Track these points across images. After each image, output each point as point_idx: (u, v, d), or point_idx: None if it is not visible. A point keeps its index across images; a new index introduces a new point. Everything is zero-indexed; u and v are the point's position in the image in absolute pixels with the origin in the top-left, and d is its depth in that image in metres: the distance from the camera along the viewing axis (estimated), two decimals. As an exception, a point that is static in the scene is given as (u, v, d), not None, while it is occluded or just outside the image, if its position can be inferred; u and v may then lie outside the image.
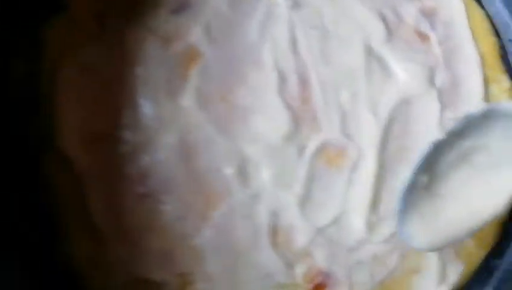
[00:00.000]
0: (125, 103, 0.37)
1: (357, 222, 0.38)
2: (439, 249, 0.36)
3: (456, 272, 0.40)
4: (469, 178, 0.34)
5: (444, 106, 0.41)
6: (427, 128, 0.41)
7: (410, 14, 0.43)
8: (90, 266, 0.35)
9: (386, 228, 0.38)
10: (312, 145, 0.39)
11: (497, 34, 0.45)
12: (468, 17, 0.44)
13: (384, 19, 0.42)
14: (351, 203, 0.39)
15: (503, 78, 0.44)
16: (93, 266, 0.35)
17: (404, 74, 0.41)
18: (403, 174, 0.36)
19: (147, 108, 0.37)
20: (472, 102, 0.42)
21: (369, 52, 0.41)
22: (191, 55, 0.39)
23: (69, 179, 0.36)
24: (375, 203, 0.39)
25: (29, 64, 0.36)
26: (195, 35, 0.39)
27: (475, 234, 0.37)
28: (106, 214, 0.35)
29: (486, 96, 0.43)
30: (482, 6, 0.45)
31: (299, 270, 0.38)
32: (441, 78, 0.42)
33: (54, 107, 0.36)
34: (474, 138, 0.33)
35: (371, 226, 0.38)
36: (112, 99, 0.37)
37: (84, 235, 0.35)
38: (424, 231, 0.34)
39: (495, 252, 0.40)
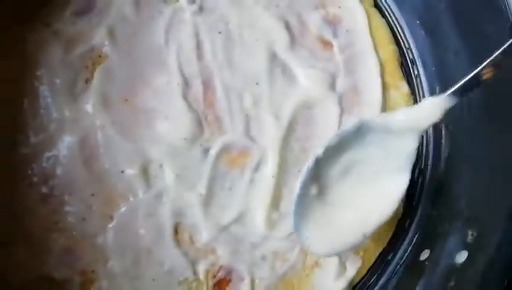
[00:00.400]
0: (25, 104, 0.42)
1: (259, 220, 0.46)
2: (336, 254, 0.44)
3: (354, 267, 0.47)
4: (355, 188, 0.43)
5: (344, 110, 0.49)
6: (328, 131, 0.48)
7: (314, 22, 0.52)
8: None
9: (287, 225, 0.46)
10: (215, 147, 0.46)
11: (397, 42, 0.53)
12: (370, 26, 0.54)
13: (288, 27, 0.51)
14: (253, 201, 0.47)
15: (402, 85, 0.54)
16: None
17: (306, 79, 0.51)
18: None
19: (48, 109, 0.43)
20: (372, 107, 0.52)
21: (273, 58, 0.51)
22: (94, 58, 0.45)
23: None
24: (276, 201, 0.47)
25: None
26: (99, 37, 0.48)
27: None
28: (7, 215, 0.40)
29: (386, 102, 0.51)
30: (384, 16, 0.53)
31: (202, 266, 0.46)
32: (341, 84, 0.52)
33: None
34: (354, 151, 0.42)
35: (272, 224, 0.46)
36: (12, 102, 0.42)
37: None
38: (320, 237, 0.43)
39: (390, 248, 0.48)
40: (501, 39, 0.39)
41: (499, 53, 0.36)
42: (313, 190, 0.41)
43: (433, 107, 0.38)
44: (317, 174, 0.41)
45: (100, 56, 0.46)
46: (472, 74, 0.37)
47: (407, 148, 0.39)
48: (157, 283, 0.45)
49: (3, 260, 0.41)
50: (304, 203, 0.40)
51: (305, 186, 0.40)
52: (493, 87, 0.41)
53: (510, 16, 0.42)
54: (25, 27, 0.45)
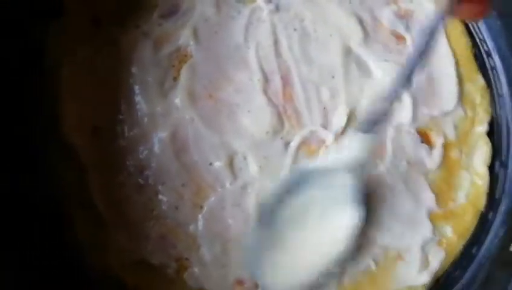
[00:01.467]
0: (121, 100, 0.46)
1: None
2: None
3: (437, 259, 0.47)
4: (305, 228, 0.42)
5: (418, 102, 0.50)
6: (403, 122, 0.48)
7: (386, 17, 0.53)
8: (93, 251, 0.43)
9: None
10: (296, 140, 0.47)
11: (470, 34, 0.52)
12: None
13: (361, 22, 0.52)
14: None
15: (478, 77, 0.54)
16: (96, 251, 0.43)
17: (380, 72, 0.50)
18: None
19: (141, 105, 0.46)
20: (448, 99, 0.52)
21: (348, 52, 0.52)
22: (180, 57, 0.48)
23: (74, 168, 0.46)
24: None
25: (35, 64, 0.44)
26: (184, 37, 0.51)
27: (456, 224, 0.45)
28: (108, 203, 0.45)
29: (461, 95, 0.51)
30: None
31: None
32: (417, 78, 0.49)
33: (57, 101, 0.46)
34: (300, 194, 0.41)
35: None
36: (109, 96, 0.46)
37: (88, 223, 0.45)
38: (274, 276, 0.41)
39: (473, 241, 0.47)
40: None
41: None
42: (267, 233, 0.40)
43: (356, 147, 0.39)
44: (267, 218, 0.40)
45: (185, 55, 0.49)
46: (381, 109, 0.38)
47: (346, 187, 0.40)
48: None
49: (105, 243, 0.44)
50: (256, 243, 0.40)
51: (261, 230, 0.40)
52: None
53: None
54: (118, 30, 0.49)
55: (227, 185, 0.46)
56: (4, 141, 0.42)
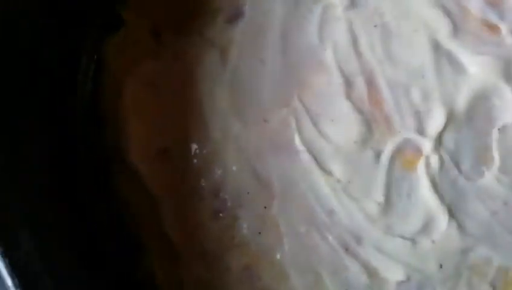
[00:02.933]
0: (191, 118, 0.42)
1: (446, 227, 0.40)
2: None
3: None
4: None
5: (525, 98, 0.43)
6: (507, 123, 0.42)
7: (475, 5, 0.48)
8: (169, 285, 0.37)
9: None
10: (388, 149, 0.42)
11: None
12: None
13: (447, 13, 0.46)
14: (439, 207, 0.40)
15: None
16: (173, 285, 0.37)
17: (476, 67, 0.44)
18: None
19: (212, 123, 0.41)
20: None
21: (436, 48, 0.46)
22: None
23: (143, 195, 0.42)
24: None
25: (94, 81, 0.40)
26: None
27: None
28: (181, 232, 0.41)
29: None
30: None
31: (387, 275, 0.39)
32: None
33: (120, 122, 0.41)
34: None
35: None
36: (176, 113, 0.41)
37: (163, 253, 0.40)
38: None
39: None
40: None
41: None
42: None
43: None
44: None
45: (256, 62, 0.47)
46: None
47: None
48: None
49: (181, 277, 0.39)
50: None
51: None
52: None
53: None
54: (180, 40, 0.44)
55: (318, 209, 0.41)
56: (69, 174, 0.39)
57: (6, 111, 0.33)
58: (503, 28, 0.49)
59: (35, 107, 0.37)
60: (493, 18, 0.50)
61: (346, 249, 0.41)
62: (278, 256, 0.41)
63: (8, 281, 0.29)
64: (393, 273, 0.41)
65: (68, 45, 0.41)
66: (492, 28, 0.49)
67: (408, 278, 0.42)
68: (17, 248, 0.30)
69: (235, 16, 0.48)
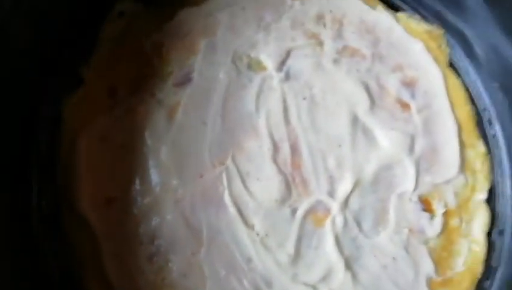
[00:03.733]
0: (135, 170, 0.48)
1: (343, 277, 0.48)
2: None
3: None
4: None
5: (421, 170, 0.51)
6: (407, 190, 0.50)
7: (392, 84, 0.55)
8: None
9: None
10: (302, 208, 0.50)
11: (473, 102, 0.54)
12: (447, 86, 0.55)
13: (368, 90, 0.53)
14: (339, 260, 0.48)
15: (479, 144, 0.56)
16: None
17: (387, 141, 0.52)
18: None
19: (154, 176, 0.47)
20: (450, 166, 0.53)
21: (354, 121, 0.53)
22: None
23: (87, 238, 0.48)
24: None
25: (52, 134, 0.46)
26: None
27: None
28: (120, 273, 0.46)
29: (463, 162, 0.53)
30: (459, 75, 0.55)
31: None
32: (420, 145, 0.54)
33: (73, 173, 0.47)
34: None
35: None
36: (124, 166, 0.48)
37: None
38: None
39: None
40: None
41: None
42: None
43: None
44: None
45: (200, 123, 0.53)
46: None
47: None
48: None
49: None
50: None
51: None
52: None
53: None
54: (134, 98, 0.50)
55: (238, 257, 0.48)
56: (18, 212, 0.45)
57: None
58: (413, 106, 0.56)
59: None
60: (406, 97, 0.57)
61: None
62: None
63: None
64: None
65: (26, 106, 0.46)
66: (404, 106, 0.57)
67: None
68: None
69: (184, 80, 0.53)
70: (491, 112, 0.55)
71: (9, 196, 0.42)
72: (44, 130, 0.48)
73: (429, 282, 0.51)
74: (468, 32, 0.55)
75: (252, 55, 0.54)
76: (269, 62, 0.54)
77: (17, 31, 0.38)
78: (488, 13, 0.51)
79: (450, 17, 0.56)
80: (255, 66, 0.54)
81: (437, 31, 0.57)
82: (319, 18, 0.56)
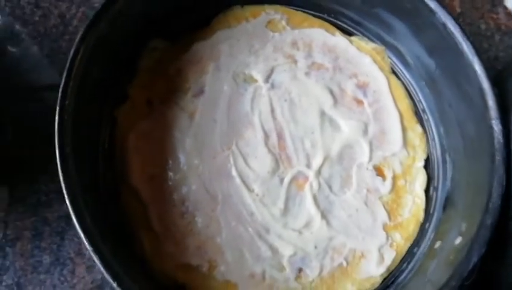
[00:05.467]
0: (168, 156, 0.66)
1: (319, 225, 0.65)
2: None
3: (390, 257, 0.66)
4: None
5: (374, 147, 0.69)
6: (364, 162, 0.69)
7: (349, 87, 0.73)
8: (152, 256, 0.62)
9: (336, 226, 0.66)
10: (288, 177, 0.67)
11: (411, 96, 0.73)
12: (390, 86, 0.74)
13: (332, 92, 0.72)
14: (316, 213, 0.66)
15: (417, 127, 0.73)
16: (154, 256, 0.62)
17: (347, 128, 0.70)
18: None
19: (182, 159, 0.66)
20: (395, 144, 0.71)
21: (322, 115, 0.71)
22: None
23: (138, 204, 0.65)
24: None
25: (111, 133, 0.66)
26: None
27: (403, 232, 0.65)
28: (161, 226, 0.64)
29: (405, 140, 0.71)
30: (399, 78, 0.74)
31: (283, 252, 0.64)
32: (372, 129, 0.71)
33: (125, 158, 0.66)
34: None
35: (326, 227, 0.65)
36: (160, 153, 0.66)
37: (150, 239, 0.64)
38: None
39: (415, 243, 0.67)
40: (476, 94, 0.61)
41: None
42: None
43: None
44: None
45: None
46: None
47: None
48: (256, 264, 0.64)
49: (162, 253, 0.63)
50: None
51: None
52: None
53: (480, 80, 0.63)
54: (164, 107, 0.68)
55: (244, 212, 0.65)
56: (93, 185, 0.63)
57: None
58: (365, 102, 0.73)
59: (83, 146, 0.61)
60: (360, 95, 0.75)
61: (259, 236, 0.63)
62: (218, 240, 0.63)
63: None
64: (286, 251, 0.63)
65: (95, 113, 0.65)
66: (359, 102, 0.74)
67: (295, 253, 0.63)
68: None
69: (199, 92, 0.70)
70: (422, 102, 0.73)
71: (88, 175, 0.60)
72: (106, 128, 0.67)
73: (384, 226, 0.67)
74: (401, 48, 0.73)
75: (246, 72, 0.71)
76: (259, 76, 0.71)
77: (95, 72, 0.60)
78: (411, 34, 0.71)
79: (388, 38, 0.74)
80: (249, 79, 0.71)
81: (380, 48, 0.75)
82: (294, 44, 0.74)
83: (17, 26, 0.73)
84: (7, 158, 0.61)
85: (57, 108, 0.53)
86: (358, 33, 0.76)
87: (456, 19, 0.64)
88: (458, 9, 0.82)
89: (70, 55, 0.56)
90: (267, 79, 0.71)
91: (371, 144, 0.70)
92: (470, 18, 0.82)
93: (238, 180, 0.66)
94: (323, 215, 0.66)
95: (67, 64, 0.56)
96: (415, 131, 0.72)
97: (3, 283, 0.67)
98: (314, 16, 0.76)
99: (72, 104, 0.53)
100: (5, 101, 0.72)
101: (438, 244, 0.63)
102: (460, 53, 0.63)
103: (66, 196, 0.52)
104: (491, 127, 0.59)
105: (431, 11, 0.64)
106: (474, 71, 0.61)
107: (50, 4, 0.75)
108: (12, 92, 0.72)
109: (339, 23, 0.76)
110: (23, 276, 0.68)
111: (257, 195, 0.66)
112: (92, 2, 0.76)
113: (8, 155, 0.70)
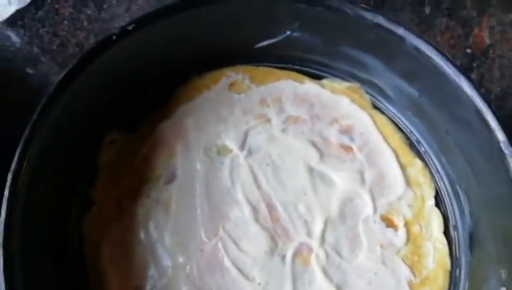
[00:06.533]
0: (149, 259, 0.58)
1: None
2: None
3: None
4: None
5: (375, 195, 0.62)
6: (368, 214, 0.61)
7: (333, 135, 0.66)
8: None
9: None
10: (289, 253, 0.58)
11: (400, 130, 0.67)
12: (376, 124, 0.67)
13: (314, 145, 0.65)
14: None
15: (416, 161, 0.66)
16: None
17: (341, 180, 0.62)
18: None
19: (164, 260, 0.57)
20: (397, 186, 0.63)
21: (311, 171, 0.63)
22: None
23: None
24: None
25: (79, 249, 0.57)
26: None
27: (433, 287, 0.56)
28: None
29: (407, 179, 0.63)
30: (383, 113, 0.68)
31: None
32: (369, 175, 0.64)
33: (100, 275, 0.57)
34: None
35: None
36: (140, 259, 0.58)
37: None
38: None
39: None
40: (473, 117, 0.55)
41: None
42: None
43: None
44: None
45: (191, 208, 0.63)
46: None
47: None
48: None
49: None
50: None
51: None
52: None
53: (473, 101, 0.56)
54: (135, 204, 0.61)
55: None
56: None
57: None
58: (354, 147, 0.66)
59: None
60: (346, 141, 0.68)
61: None
62: None
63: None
64: None
65: (57, 228, 0.58)
66: (347, 149, 0.67)
67: None
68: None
69: (171, 178, 0.63)
70: (415, 133, 0.66)
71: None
72: (73, 246, 0.59)
73: (410, 285, 0.58)
74: (377, 82, 0.67)
75: (219, 143, 0.64)
76: (233, 145, 0.64)
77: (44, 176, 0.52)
78: (383, 66, 0.65)
79: (362, 74, 0.68)
80: (222, 151, 0.64)
81: (355, 85, 0.69)
82: (262, 102, 0.68)
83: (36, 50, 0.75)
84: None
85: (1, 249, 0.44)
86: (328, 75, 0.70)
87: (427, 40, 0.58)
88: (488, 41, 0.78)
89: (11, 172, 0.48)
90: (242, 146, 0.66)
91: (371, 193, 0.62)
92: (500, 50, 0.78)
93: (233, 271, 0.58)
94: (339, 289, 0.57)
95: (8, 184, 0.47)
96: (415, 166, 0.65)
97: None
98: (278, 68, 0.70)
99: (18, 237, 0.45)
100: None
101: (477, 296, 0.54)
102: (443, 75, 0.57)
103: None
104: (500, 151, 0.52)
105: (399, 38, 0.59)
106: (464, 92, 0.55)
107: (68, 33, 0.77)
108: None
109: (306, 69, 0.70)
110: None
111: (259, 284, 0.58)
112: (108, 31, 0.70)
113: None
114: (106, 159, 0.64)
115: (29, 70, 0.74)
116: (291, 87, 0.70)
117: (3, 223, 0.44)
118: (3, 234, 0.44)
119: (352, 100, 0.69)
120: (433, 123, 0.63)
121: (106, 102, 0.62)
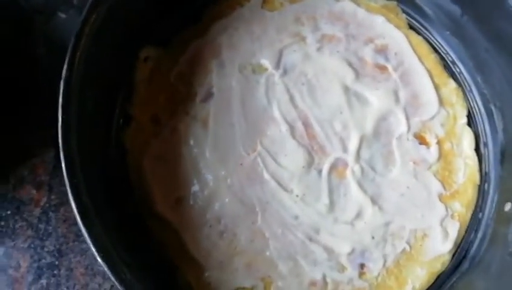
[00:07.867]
0: (191, 172, 0.59)
1: (371, 212, 0.58)
2: None
3: (454, 230, 0.60)
4: None
5: (409, 114, 0.62)
6: (402, 132, 0.62)
7: (368, 54, 0.66)
8: (200, 287, 0.55)
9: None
10: (325, 167, 0.60)
11: (435, 50, 0.66)
12: (411, 44, 0.66)
13: (350, 64, 0.64)
14: (365, 200, 0.59)
15: (450, 82, 0.66)
16: (202, 287, 0.55)
17: (376, 99, 0.63)
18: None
19: (206, 173, 0.59)
20: (431, 105, 0.64)
21: (346, 90, 0.63)
22: None
23: (169, 231, 0.58)
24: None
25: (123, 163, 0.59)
26: None
27: (462, 200, 0.58)
28: (201, 252, 0.57)
29: (441, 99, 0.64)
30: (419, 33, 0.67)
31: (339, 250, 0.58)
32: (403, 95, 0.64)
33: (144, 187, 0.59)
34: None
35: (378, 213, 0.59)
36: (182, 172, 0.59)
37: (192, 269, 0.57)
38: None
39: (478, 209, 0.61)
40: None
41: None
42: None
43: None
44: None
45: (229, 125, 0.63)
46: None
47: None
48: (310, 272, 0.58)
49: (208, 282, 0.57)
50: None
51: None
52: None
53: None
54: (174, 120, 0.61)
55: (287, 217, 0.59)
56: (124, 223, 0.56)
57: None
58: (389, 66, 0.66)
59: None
60: (381, 61, 0.67)
61: (310, 239, 0.58)
62: (267, 253, 0.57)
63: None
64: (343, 248, 0.58)
65: (100, 145, 0.59)
66: (382, 68, 0.67)
67: (353, 249, 0.58)
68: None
69: (207, 96, 0.63)
70: (451, 54, 0.66)
71: (111, 210, 0.54)
72: (116, 159, 0.60)
73: (441, 197, 0.61)
74: None
75: (253, 62, 0.64)
76: (268, 64, 0.64)
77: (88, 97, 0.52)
78: (425, -20, 0.64)
79: None
80: (257, 69, 0.64)
81: (391, 4, 0.68)
82: (297, 20, 0.66)
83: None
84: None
85: (60, 145, 0.45)
86: (363, -8, 0.68)
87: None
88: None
89: (61, 88, 0.48)
90: (277, 64, 0.65)
91: (405, 112, 0.63)
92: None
93: (272, 184, 0.60)
94: (374, 201, 0.60)
95: (60, 100, 0.47)
96: (449, 87, 0.65)
97: (45, 249, 0.63)
98: (312, -17, 0.67)
99: (75, 137, 0.46)
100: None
101: (508, 206, 0.57)
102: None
103: (94, 253, 0.46)
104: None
105: None
106: (510, 5, 0.54)
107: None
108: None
109: (342, -14, 0.68)
110: (64, 243, 0.63)
111: (297, 195, 0.59)
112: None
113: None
114: (141, 76, 0.63)
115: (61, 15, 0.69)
116: (325, 4, 0.67)
117: (60, 121, 0.45)
118: (61, 133, 0.45)
119: (388, 19, 0.67)
120: (472, 42, 0.62)
121: (141, 16, 0.60)
